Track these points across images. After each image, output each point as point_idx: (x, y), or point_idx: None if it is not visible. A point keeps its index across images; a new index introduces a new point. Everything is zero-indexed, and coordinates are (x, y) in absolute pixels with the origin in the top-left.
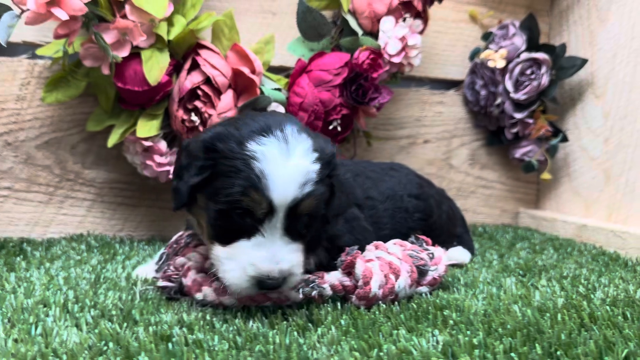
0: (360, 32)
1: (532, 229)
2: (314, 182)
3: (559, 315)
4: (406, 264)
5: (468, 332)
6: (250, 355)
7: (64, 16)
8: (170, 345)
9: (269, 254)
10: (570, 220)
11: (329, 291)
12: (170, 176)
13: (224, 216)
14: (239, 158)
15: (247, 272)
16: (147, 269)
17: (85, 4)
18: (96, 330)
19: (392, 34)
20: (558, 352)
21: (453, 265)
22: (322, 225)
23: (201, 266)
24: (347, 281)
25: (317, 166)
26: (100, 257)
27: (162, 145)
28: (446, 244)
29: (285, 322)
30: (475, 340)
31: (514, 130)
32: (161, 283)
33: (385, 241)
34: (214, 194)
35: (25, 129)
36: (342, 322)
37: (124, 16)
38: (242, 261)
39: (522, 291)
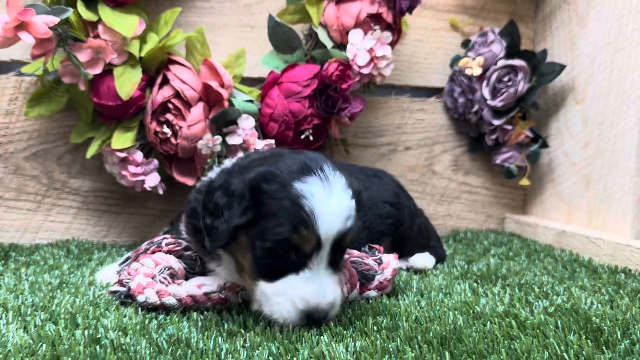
0: (330, 44)
1: (516, 235)
2: (353, 217)
3: (489, 324)
4: (345, 269)
5: (389, 339)
6: (169, 359)
7: (29, 40)
8: (97, 348)
9: (317, 288)
10: (551, 226)
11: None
12: (145, 187)
13: (272, 254)
14: (286, 197)
15: (297, 306)
16: (108, 272)
17: (60, 25)
18: (38, 333)
19: (360, 46)
20: None
21: (416, 272)
22: None
23: (152, 272)
24: None
25: (352, 202)
26: (74, 262)
27: (138, 155)
28: (413, 252)
29: (215, 328)
30: (390, 346)
31: (494, 136)
32: (112, 288)
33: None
34: (262, 232)
35: (14, 142)
36: (275, 328)
37: (97, 36)
38: (292, 296)
39: (469, 298)
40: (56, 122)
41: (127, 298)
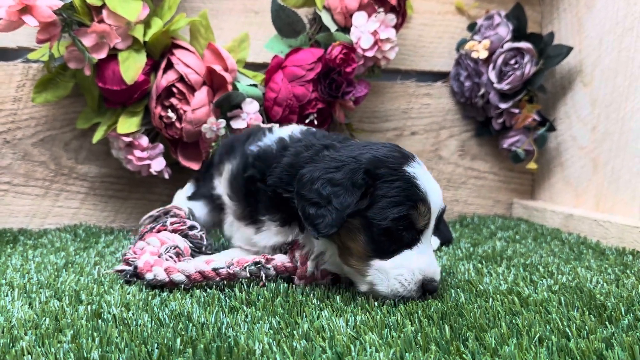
0: (334, 27)
1: (524, 220)
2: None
3: (491, 300)
4: None
5: (389, 314)
6: (168, 332)
7: (33, 23)
8: (99, 321)
9: (430, 260)
10: (559, 210)
11: (272, 271)
12: (151, 171)
13: (388, 232)
14: (399, 179)
15: (417, 276)
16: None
17: (64, 10)
18: (44, 308)
19: (364, 29)
20: (467, 334)
21: None
22: None
23: (158, 251)
24: (289, 263)
25: None
26: (80, 245)
27: (144, 140)
28: None
29: (217, 304)
30: (390, 320)
31: (501, 120)
32: (118, 267)
33: None
34: (379, 214)
35: (22, 128)
36: (275, 303)
37: (102, 20)
38: (411, 267)
39: (472, 277)
40: (63, 108)
41: (132, 277)
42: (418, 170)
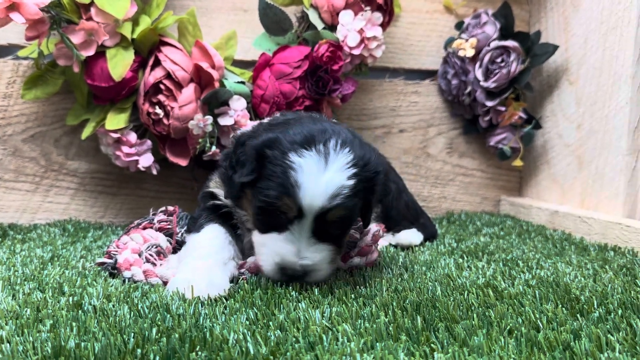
0: (320, 25)
1: (510, 216)
2: (344, 196)
3: (467, 293)
4: None
5: (364, 305)
6: (149, 323)
7: (20, 20)
8: (79, 312)
9: (294, 249)
10: (545, 207)
11: (247, 274)
12: (139, 167)
13: (263, 211)
14: (280, 165)
15: (274, 259)
16: None
17: (52, 7)
18: (26, 300)
19: (350, 27)
20: (439, 325)
21: (402, 248)
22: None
23: (139, 248)
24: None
25: (351, 181)
26: (68, 239)
27: (132, 137)
28: (401, 229)
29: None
30: (364, 312)
31: (487, 118)
32: (100, 260)
33: None
34: (258, 193)
35: (13, 124)
36: (255, 295)
37: (90, 18)
38: (272, 249)
39: (450, 271)
40: (53, 104)
41: (114, 269)
42: (305, 161)
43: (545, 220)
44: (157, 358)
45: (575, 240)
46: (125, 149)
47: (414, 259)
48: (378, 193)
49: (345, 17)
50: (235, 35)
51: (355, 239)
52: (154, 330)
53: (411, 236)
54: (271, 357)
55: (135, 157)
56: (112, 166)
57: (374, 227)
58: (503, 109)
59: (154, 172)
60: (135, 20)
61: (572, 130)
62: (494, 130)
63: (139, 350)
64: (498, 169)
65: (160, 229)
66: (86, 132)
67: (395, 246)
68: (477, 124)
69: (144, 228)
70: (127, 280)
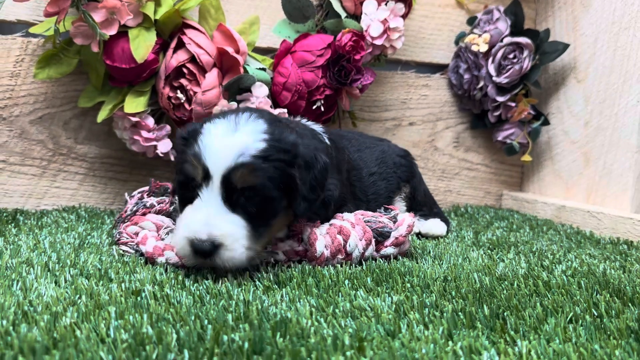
0: (343, 14)
1: (514, 211)
2: (252, 155)
3: (515, 283)
4: (358, 226)
5: (423, 294)
6: (212, 309)
7: None
8: (139, 298)
9: (202, 217)
10: (550, 202)
11: (281, 256)
12: (157, 152)
13: (180, 186)
14: (194, 137)
15: (183, 233)
16: None
17: None
18: (73, 286)
19: (374, 17)
20: (505, 314)
21: (428, 238)
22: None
23: (159, 235)
24: (298, 246)
25: (261, 144)
26: (88, 225)
27: (150, 121)
28: (426, 217)
29: (252, 283)
30: (427, 301)
31: (497, 113)
32: (122, 249)
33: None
34: (177, 169)
35: (20, 105)
36: (307, 282)
37: None
38: (183, 223)
39: (486, 262)
40: (63, 85)
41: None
42: (213, 127)
43: (551, 215)
44: (246, 345)
45: (586, 234)
46: (144, 133)
47: (444, 249)
48: (305, 176)
49: (369, 7)
50: (258, 20)
51: (389, 228)
52: (229, 316)
53: (439, 227)
54: (358, 344)
55: (154, 142)
56: (123, 151)
57: (408, 217)
58: (513, 104)
59: (172, 158)
60: (157, 1)
61: (579, 127)
62: (502, 125)
63: (224, 337)
64: (501, 164)
65: (159, 212)
66: (102, 115)
67: (421, 236)
68: (485, 119)
69: (144, 214)
70: (164, 266)
